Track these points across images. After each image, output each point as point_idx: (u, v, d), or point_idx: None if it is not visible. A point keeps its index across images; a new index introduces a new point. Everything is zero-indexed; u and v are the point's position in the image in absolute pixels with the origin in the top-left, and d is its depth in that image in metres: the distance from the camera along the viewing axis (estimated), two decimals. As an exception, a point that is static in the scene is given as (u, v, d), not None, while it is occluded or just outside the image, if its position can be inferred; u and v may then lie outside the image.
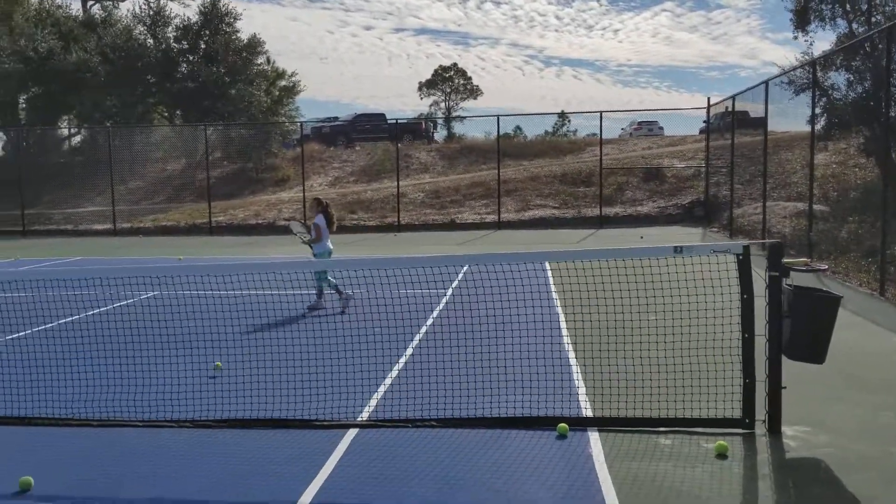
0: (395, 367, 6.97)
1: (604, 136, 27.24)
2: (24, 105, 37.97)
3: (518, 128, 58.93)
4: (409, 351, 7.57)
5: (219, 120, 35.99)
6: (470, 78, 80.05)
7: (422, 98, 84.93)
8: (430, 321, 9.01)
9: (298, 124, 39.18)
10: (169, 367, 6.92)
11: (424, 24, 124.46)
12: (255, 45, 35.96)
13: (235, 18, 35.44)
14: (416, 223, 25.37)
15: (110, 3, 40.66)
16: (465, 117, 68.11)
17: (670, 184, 26.47)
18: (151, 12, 35.07)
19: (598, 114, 25.58)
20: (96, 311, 10.14)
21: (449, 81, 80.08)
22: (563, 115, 52.15)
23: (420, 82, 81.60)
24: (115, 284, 11.47)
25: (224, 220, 27.30)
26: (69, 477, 4.63)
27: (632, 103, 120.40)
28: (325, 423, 5.49)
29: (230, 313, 7.93)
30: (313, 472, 4.60)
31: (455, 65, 79.72)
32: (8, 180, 29.00)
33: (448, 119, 62.68)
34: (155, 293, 11.31)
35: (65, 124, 40.87)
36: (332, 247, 10.50)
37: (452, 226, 24.96)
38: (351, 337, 7.12)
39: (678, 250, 5.41)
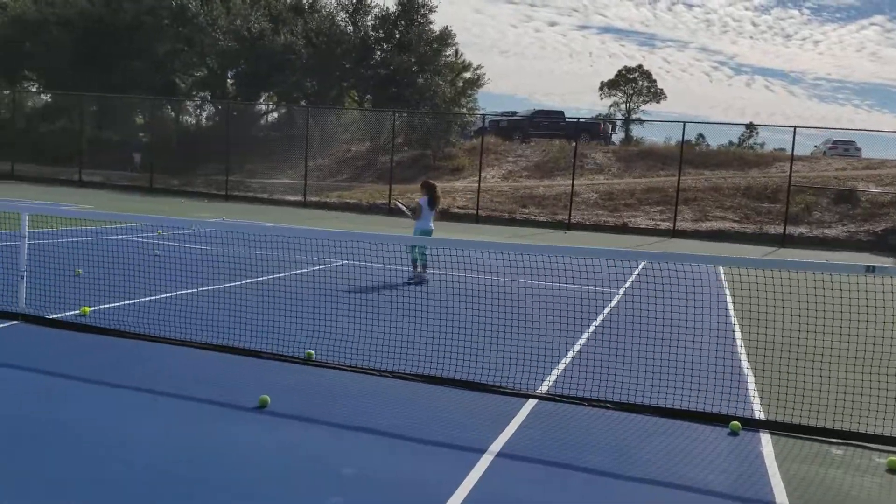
0: (571, 351, 7.39)
1: (795, 153, 26.11)
2: (231, 80, 41.42)
3: (701, 135, 57.01)
4: (585, 337, 7.96)
5: (404, 107, 37.64)
6: (654, 81, 78.18)
7: (602, 98, 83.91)
8: (605, 312, 9.35)
9: (478, 116, 40.26)
10: (374, 324, 7.73)
11: (610, 23, 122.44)
12: (446, 36, 37.28)
13: (431, 10, 36.92)
14: (587, 223, 25.52)
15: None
16: (646, 121, 66.83)
17: (863, 208, 25.01)
18: (355, 1, 37.19)
19: (792, 129, 24.57)
20: (300, 270, 11.28)
21: (632, 83, 78.64)
22: (751, 127, 49.93)
23: (602, 82, 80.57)
24: (313, 249, 12.59)
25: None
26: (294, 402, 5.43)
27: (827, 119, 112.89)
28: (508, 390, 6.02)
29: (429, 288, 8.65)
30: (499, 429, 5.13)
31: (640, 66, 78.05)
32: (215, 149, 32.03)
33: (628, 121, 61.70)
34: (344, 262, 12.34)
35: (263, 101, 44.17)
36: (431, 226, 11.25)
37: (624, 229, 24.90)
38: (533, 318, 7.61)
39: (871, 269, 5.46)
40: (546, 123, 42.32)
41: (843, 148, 42.90)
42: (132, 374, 5.76)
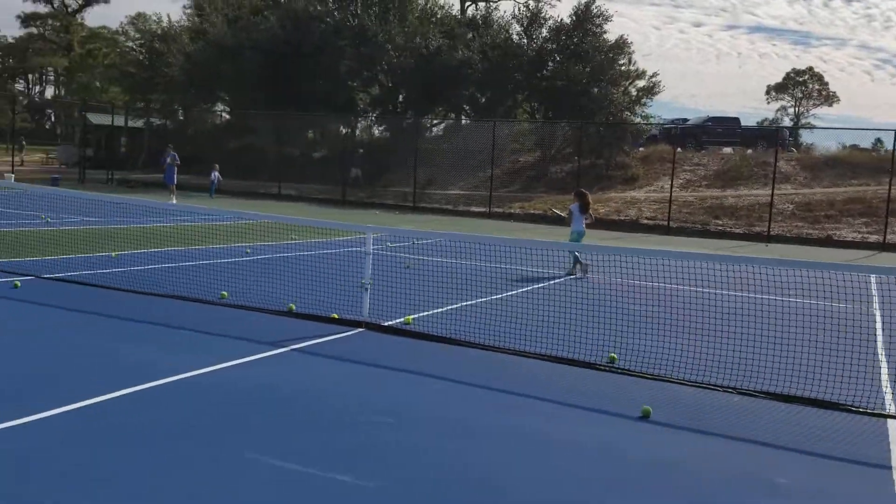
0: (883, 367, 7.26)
1: None
2: (403, 95, 42.86)
3: (878, 140, 53.47)
4: (880, 354, 7.78)
5: (577, 117, 37.67)
6: (826, 83, 74.26)
7: (769, 102, 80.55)
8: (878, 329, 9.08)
9: (650, 125, 39.69)
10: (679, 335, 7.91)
11: (761, 22, 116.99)
12: (621, 45, 37.06)
13: (606, 20, 36.83)
14: (788, 235, 24.60)
15: (490, 3, 44.05)
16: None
17: None
18: (529, 14, 37.68)
19: None
20: (547, 283, 11.65)
21: (802, 86, 75.01)
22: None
23: (769, 86, 77.55)
24: (544, 261, 12.91)
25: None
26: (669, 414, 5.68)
27: None
28: (864, 410, 6.00)
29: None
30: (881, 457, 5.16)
31: (811, 68, 74.42)
32: (394, 162, 33.43)
33: (797, 126, 58.95)
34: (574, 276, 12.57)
35: (438, 115, 45.42)
36: (583, 229, 13.23)
37: (829, 242, 23.81)
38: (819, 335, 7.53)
39: None
40: (720, 130, 41.19)
41: None
42: (498, 380, 6.21)
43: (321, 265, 11.70)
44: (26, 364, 5.94)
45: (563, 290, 10.36)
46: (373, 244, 8.08)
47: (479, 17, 41.47)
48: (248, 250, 13.65)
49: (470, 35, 39.83)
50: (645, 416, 5.51)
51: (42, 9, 75.89)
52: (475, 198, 33.76)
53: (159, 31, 46.05)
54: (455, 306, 9.31)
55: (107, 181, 35.13)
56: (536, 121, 38.90)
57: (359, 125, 42.68)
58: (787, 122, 76.03)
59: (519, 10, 38.41)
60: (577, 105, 36.75)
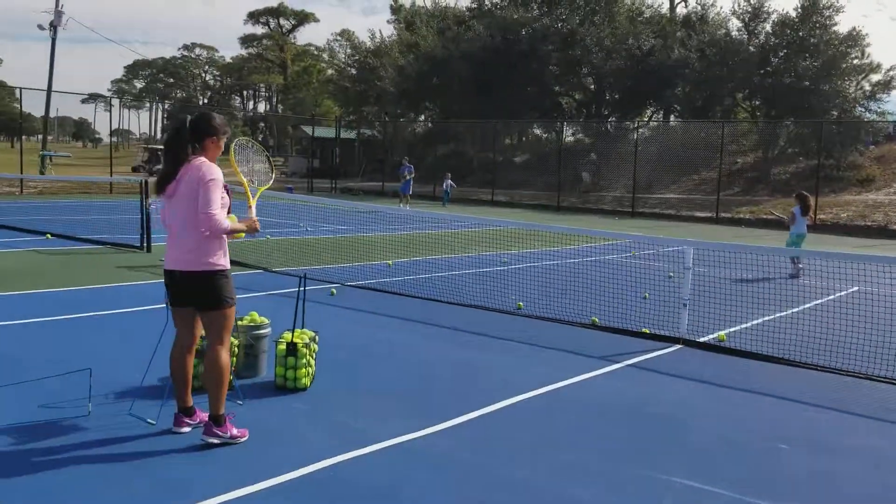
0: None
1: None
2: (610, 97, 42.14)
3: None
4: None
5: (802, 115, 35.24)
6: None
7: None
8: None
9: (887, 121, 36.33)
10: None
11: None
12: (854, 37, 34.27)
13: (837, 11, 34.23)
14: None
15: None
16: None
17: None
18: (751, 8, 35.79)
19: None
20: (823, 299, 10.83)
21: None
22: None
23: None
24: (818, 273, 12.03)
25: (826, 219, 26.70)
26: None
27: None
28: None
29: None
30: None
31: None
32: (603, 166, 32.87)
33: None
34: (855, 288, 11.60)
35: (639, 117, 44.36)
36: (804, 231, 13.64)
37: None
38: None
39: None
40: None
41: None
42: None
43: (588, 273, 11.60)
44: (405, 373, 6.25)
45: (856, 302, 9.57)
46: (692, 258, 7.83)
47: (694, 14, 39.89)
48: (506, 259, 13.83)
49: (681, 32, 38.53)
50: None
51: (259, 30, 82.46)
52: (695, 202, 32.48)
53: (372, 47, 48.35)
54: (758, 321, 8.87)
55: (331, 190, 37.33)
56: (757, 121, 36.85)
57: (569, 130, 42.41)
58: None
59: (739, 4, 36.56)
60: (805, 102, 34.43)
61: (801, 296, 10.55)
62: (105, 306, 8.29)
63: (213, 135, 4.48)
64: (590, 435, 4.98)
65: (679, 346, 7.53)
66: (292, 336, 5.54)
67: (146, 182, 12.92)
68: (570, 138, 42.25)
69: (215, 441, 4.40)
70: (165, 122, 77.69)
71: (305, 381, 5.54)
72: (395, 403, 5.40)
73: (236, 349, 5.62)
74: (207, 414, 4.49)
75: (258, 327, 5.88)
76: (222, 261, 4.49)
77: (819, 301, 10.40)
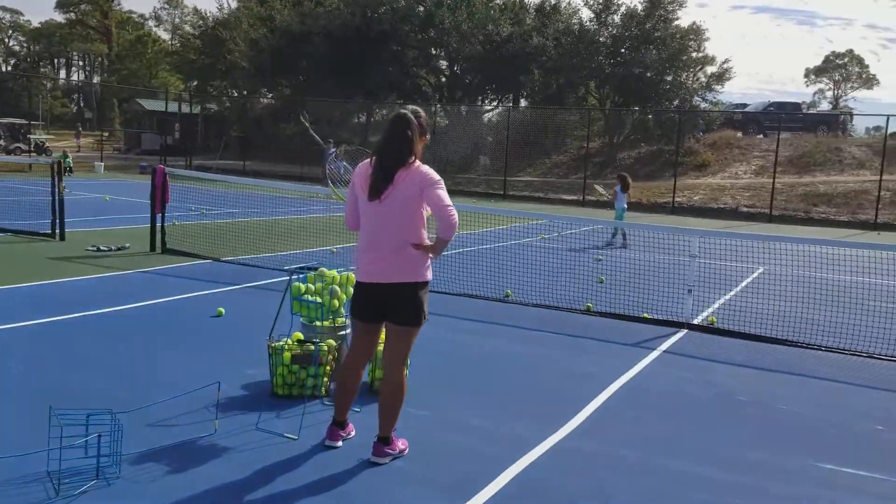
0: None
1: None
2: (469, 80, 42.81)
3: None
4: None
5: (647, 103, 37.70)
6: (867, 66, 74.00)
7: (807, 85, 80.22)
8: None
9: (718, 111, 39.60)
10: None
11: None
12: (695, 31, 36.98)
13: (680, 6, 36.76)
14: (894, 223, 24.71)
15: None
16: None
17: None
18: (601, 0, 37.59)
19: None
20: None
21: (841, 69, 74.69)
22: None
23: (807, 68, 77.47)
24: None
25: (682, 202, 28.76)
26: None
27: None
28: None
29: None
30: None
31: (851, 51, 74.22)
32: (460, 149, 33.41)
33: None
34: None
35: (498, 101, 45.41)
36: (624, 206, 15.84)
37: (939, 229, 23.93)
38: None
39: None
40: (783, 116, 41.09)
41: None
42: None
43: (530, 257, 11.82)
44: (481, 370, 6.12)
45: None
46: (697, 247, 8.24)
47: (547, 4, 41.25)
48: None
49: (533, 20, 39.82)
50: None
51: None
52: (557, 185, 33.80)
53: (220, 18, 45.99)
54: (721, 301, 9.51)
55: (186, 168, 35.30)
56: (603, 108, 38.86)
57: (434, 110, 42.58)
58: (825, 105, 75.81)
59: (589, -3, 38.29)
60: (652, 92, 36.82)
61: (726, 276, 11.39)
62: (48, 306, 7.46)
63: (425, 134, 4.16)
64: (705, 424, 5.17)
65: (685, 331, 7.92)
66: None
67: (59, 163, 11.63)
68: (431, 120, 42.45)
69: (386, 461, 4.15)
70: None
71: (402, 382, 5.32)
72: (507, 403, 5.32)
73: (336, 352, 5.28)
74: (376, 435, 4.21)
75: (342, 327, 5.56)
76: (429, 273, 4.17)
77: (748, 281, 11.29)
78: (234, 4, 48.64)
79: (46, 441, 3.81)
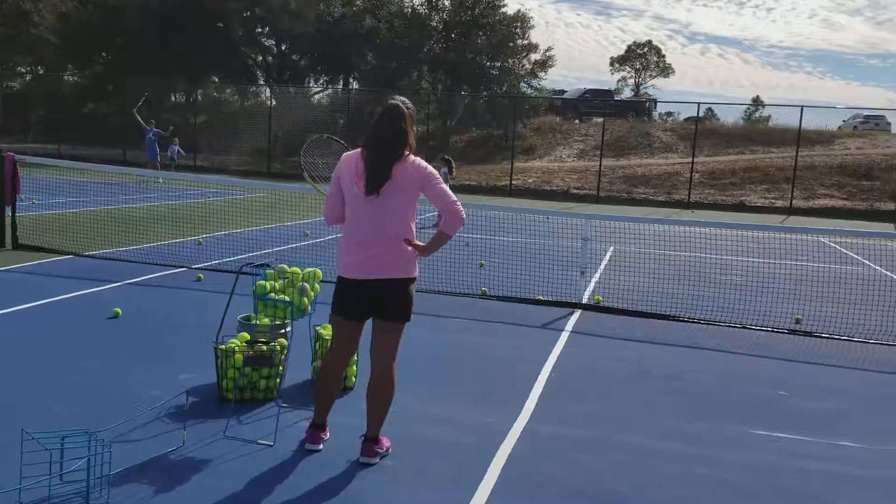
0: None
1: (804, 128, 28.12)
2: (303, 62, 41.93)
3: (709, 110, 59.03)
4: None
5: (477, 89, 38.77)
6: (664, 56, 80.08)
7: (612, 73, 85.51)
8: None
9: (541, 97, 41.47)
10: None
11: None
12: (520, 18, 38.40)
13: (505, -6, 38.04)
14: (705, 202, 27.13)
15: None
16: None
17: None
18: (431, -15, 38.11)
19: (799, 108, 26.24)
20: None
21: (641, 58, 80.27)
22: (757, 102, 51.83)
23: (612, 58, 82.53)
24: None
25: (518, 185, 29.89)
26: None
27: (781, 88, 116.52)
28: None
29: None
30: None
31: (650, 42, 79.94)
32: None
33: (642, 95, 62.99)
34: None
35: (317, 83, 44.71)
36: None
37: (742, 208, 26.56)
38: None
39: None
40: (597, 102, 43.77)
41: (874, 123, 45.09)
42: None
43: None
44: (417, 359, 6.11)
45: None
46: (590, 231, 8.66)
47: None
48: (308, 233, 13.57)
49: (363, 1, 39.63)
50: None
51: None
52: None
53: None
54: (595, 282, 10.10)
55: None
56: (436, 91, 39.44)
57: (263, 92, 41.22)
58: (627, 92, 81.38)
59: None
60: (483, 77, 37.86)
61: (592, 256, 12.11)
62: None
63: (413, 124, 4.04)
64: (636, 399, 5.52)
65: (580, 311, 8.35)
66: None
67: None
68: (259, 100, 41.18)
69: (376, 461, 4.09)
70: None
71: (353, 379, 5.26)
72: (459, 392, 5.39)
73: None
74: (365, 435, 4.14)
75: (283, 326, 5.36)
76: (416, 268, 4.10)
77: (606, 260, 12.06)
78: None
79: (18, 469, 3.41)
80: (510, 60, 38.57)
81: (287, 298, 4.37)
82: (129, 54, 37.55)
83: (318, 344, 5.24)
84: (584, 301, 8.70)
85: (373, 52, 38.53)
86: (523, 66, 39.80)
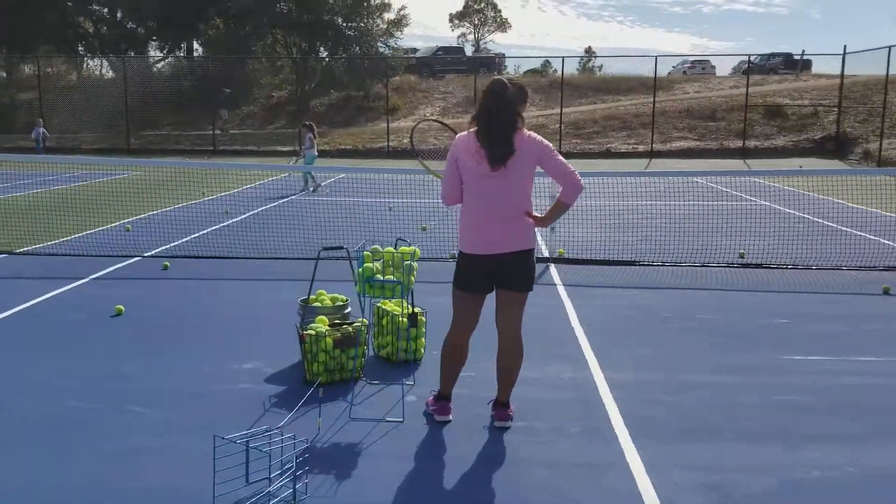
0: None
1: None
2: (143, 29, 39.34)
3: (547, 62, 61.44)
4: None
5: (333, 50, 38.07)
6: (500, 11, 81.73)
7: (452, 29, 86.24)
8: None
9: (397, 57, 41.29)
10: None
11: None
12: (371, -23, 37.86)
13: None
14: (575, 151, 28.34)
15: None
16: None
17: (793, 121, 29.78)
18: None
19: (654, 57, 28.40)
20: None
21: (479, 13, 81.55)
22: (590, 52, 54.44)
23: (451, 14, 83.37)
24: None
25: (397, 146, 29.79)
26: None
27: (594, 37, 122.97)
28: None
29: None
30: None
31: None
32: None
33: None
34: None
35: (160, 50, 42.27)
36: (315, 153, 16.93)
37: (609, 154, 28.00)
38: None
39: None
40: (449, 59, 44.22)
41: (701, 67, 48.62)
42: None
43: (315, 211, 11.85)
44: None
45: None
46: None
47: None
48: (228, 211, 13.11)
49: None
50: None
51: None
52: (271, 137, 32.79)
53: None
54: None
55: None
56: (291, 55, 38.36)
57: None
58: (468, 48, 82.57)
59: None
60: (341, 38, 37.16)
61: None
62: None
63: (525, 100, 4.07)
64: (671, 341, 5.95)
65: (552, 265, 8.71)
66: (412, 307, 5.13)
67: None
68: (109, 73, 38.42)
69: (510, 424, 4.24)
70: None
71: (422, 351, 5.33)
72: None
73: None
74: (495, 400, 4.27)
75: (344, 306, 5.32)
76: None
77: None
78: None
79: (211, 474, 3.30)
80: (366, 21, 38.00)
81: (393, 278, 4.37)
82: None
83: (385, 319, 5.25)
84: (547, 255, 9.08)
85: (221, 17, 36.76)
86: (378, 25, 39.36)
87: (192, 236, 10.38)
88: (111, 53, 37.80)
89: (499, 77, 4.09)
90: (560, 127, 29.49)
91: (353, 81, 37.67)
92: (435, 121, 5.09)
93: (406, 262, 4.39)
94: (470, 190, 4.05)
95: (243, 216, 12.53)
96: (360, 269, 4.37)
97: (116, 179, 17.45)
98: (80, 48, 39.08)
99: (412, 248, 4.61)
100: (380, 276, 4.40)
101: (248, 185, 17.28)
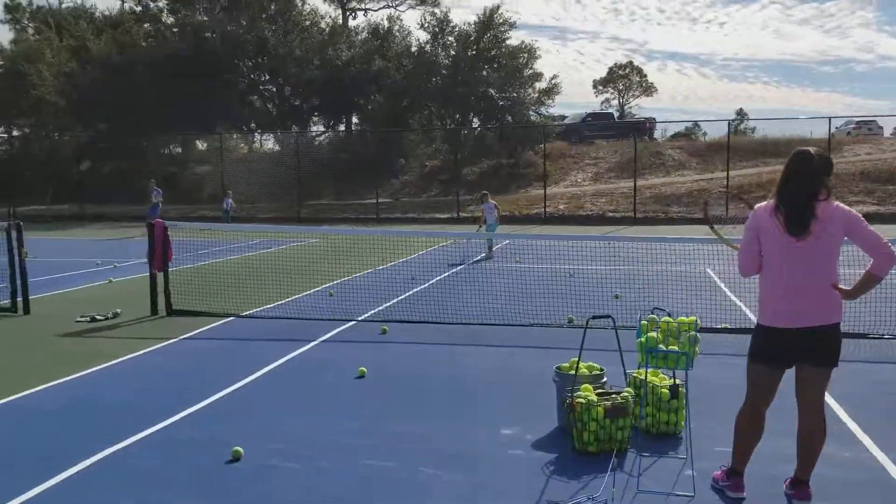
0: None
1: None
2: (308, 107, 41.97)
3: (696, 125, 60.17)
4: None
5: (488, 121, 39.01)
6: (645, 76, 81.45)
7: (596, 95, 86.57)
8: None
9: (547, 124, 41.76)
10: None
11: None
12: (527, 49, 38.75)
13: (511, 26, 38.42)
14: (743, 216, 27.15)
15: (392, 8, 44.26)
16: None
17: None
18: (436, 21, 38.40)
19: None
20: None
21: (624, 79, 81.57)
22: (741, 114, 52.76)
23: (595, 80, 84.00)
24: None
25: (552, 212, 29.96)
26: None
27: (740, 98, 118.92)
28: None
29: None
30: None
31: (631, 62, 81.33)
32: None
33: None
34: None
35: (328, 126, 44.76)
36: (497, 222, 17.26)
37: (777, 219, 26.82)
38: None
39: None
40: (599, 125, 44.20)
41: (867, 128, 46.15)
42: None
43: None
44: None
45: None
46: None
47: (381, 27, 41.46)
48: (414, 277, 13.52)
49: (363, 43, 39.90)
50: None
51: None
52: (427, 205, 33.79)
53: (17, 50, 41.49)
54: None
55: (9, 217, 31.48)
56: (444, 127, 39.59)
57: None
58: (613, 112, 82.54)
59: (425, 18, 38.90)
60: (495, 109, 38.13)
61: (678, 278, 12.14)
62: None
63: (831, 171, 4.05)
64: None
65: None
66: (675, 379, 5.09)
67: (19, 224, 10.03)
68: (274, 147, 41.19)
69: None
70: None
71: (682, 423, 5.22)
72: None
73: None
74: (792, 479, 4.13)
75: (601, 375, 5.32)
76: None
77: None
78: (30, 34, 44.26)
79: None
80: (519, 91, 38.79)
81: (676, 349, 4.35)
82: (137, 110, 37.26)
83: (639, 391, 5.20)
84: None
85: (381, 93, 38.63)
86: (530, 94, 40.09)
87: (393, 301, 10.73)
88: (278, 129, 40.51)
89: (805, 148, 4.07)
90: (727, 190, 28.61)
91: (505, 149, 38.38)
92: (738, 196, 5.06)
93: (690, 334, 4.35)
94: (773, 259, 4.01)
95: (429, 282, 12.83)
96: (643, 339, 4.37)
97: (294, 247, 18.35)
98: (252, 125, 42.05)
99: (692, 318, 4.57)
100: (662, 346, 4.38)
101: (420, 252, 17.69)
